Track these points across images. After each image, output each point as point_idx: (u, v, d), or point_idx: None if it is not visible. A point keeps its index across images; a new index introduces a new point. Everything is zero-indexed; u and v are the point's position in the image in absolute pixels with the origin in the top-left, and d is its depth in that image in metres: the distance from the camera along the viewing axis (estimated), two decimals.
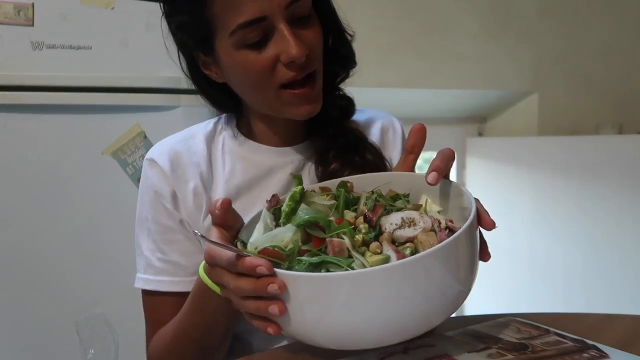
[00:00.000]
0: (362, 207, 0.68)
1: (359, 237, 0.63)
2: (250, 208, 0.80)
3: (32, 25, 1.38)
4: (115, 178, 1.46)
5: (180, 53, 0.87)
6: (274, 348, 0.83)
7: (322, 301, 0.57)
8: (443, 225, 0.65)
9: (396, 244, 0.63)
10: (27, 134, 1.41)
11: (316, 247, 0.62)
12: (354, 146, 0.89)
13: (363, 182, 0.74)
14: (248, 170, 0.89)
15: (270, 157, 0.90)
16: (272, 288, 0.57)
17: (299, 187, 0.68)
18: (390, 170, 0.91)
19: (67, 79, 1.41)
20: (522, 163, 2.31)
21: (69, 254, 1.44)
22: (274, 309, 0.58)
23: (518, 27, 2.28)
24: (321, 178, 0.87)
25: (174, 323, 0.82)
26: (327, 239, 0.61)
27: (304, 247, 0.62)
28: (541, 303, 2.25)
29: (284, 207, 0.67)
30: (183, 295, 0.83)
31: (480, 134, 2.59)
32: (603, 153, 2.13)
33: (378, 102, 2.31)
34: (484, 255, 0.66)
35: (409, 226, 0.64)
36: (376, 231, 0.64)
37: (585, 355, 0.66)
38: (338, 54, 0.89)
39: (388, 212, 0.67)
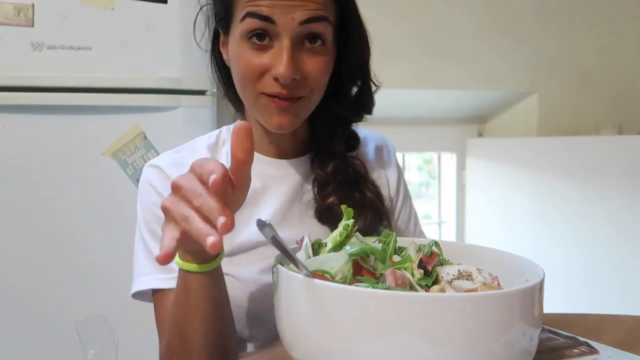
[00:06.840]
0: (415, 253, 0.64)
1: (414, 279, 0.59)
2: (252, 219, 0.80)
3: (32, 25, 1.38)
4: (116, 179, 1.46)
5: (208, 25, 0.90)
6: (272, 349, 0.82)
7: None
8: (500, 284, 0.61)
9: None
10: (27, 134, 1.41)
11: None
12: (355, 182, 0.90)
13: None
14: (251, 182, 0.89)
15: (271, 169, 0.90)
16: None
17: (351, 220, 0.65)
18: (387, 208, 0.92)
19: (67, 80, 1.41)
20: (522, 163, 2.31)
21: (69, 254, 1.45)
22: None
23: (518, 27, 2.28)
24: (318, 210, 0.88)
25: (169, 321, 0.79)
26: (388, 270, 0.57)
27: (357, 278, 0.58)
28: None
29: (335, 236, 0.64)
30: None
31: (480, 135, 2.59)
32: (603, 153, 2.13)
33: (378, 102, 2.31)
34: None
35: (467, 279, 0.61)
36: (432, 278, 0.60)
37: (576, 351, 0.67)
38: (358, 101, 0.90)
39: (442, 264, 0.63)
